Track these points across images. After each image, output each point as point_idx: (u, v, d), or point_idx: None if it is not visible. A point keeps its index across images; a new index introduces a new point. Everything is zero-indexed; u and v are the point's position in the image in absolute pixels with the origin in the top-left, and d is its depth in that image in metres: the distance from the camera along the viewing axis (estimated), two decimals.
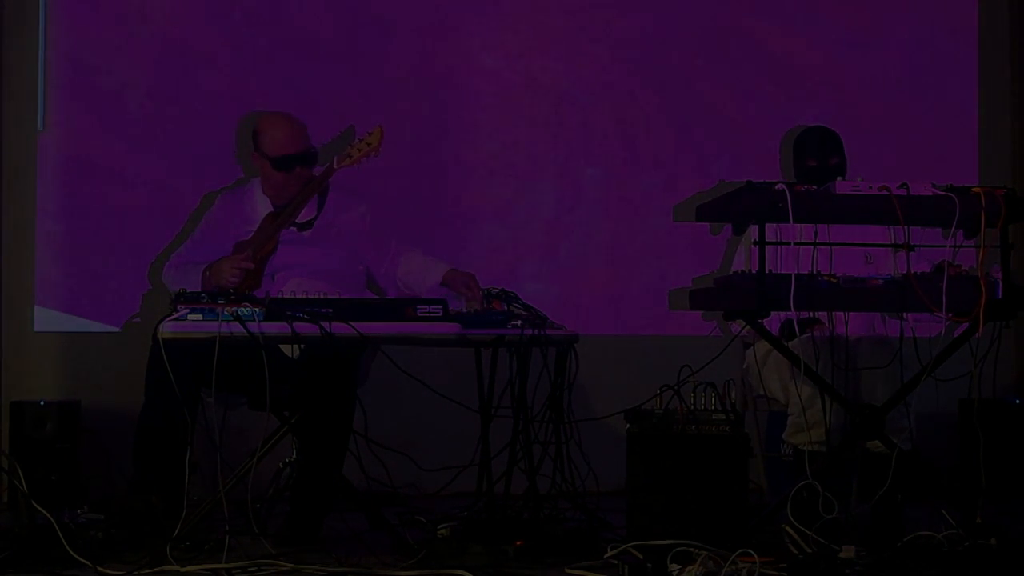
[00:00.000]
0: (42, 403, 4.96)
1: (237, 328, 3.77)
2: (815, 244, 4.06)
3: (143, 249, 5.36)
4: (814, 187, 4.00)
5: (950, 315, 3.97)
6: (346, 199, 4.61)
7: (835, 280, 3.96)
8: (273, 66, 5.52)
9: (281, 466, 4.47)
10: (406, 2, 5.64)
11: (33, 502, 3.91)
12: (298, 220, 4.51)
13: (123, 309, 5.38)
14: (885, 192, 3.92)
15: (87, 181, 5.40)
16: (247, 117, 5.20)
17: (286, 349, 4.17)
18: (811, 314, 4.37)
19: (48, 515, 3.77)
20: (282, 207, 4.52)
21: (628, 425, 4.03)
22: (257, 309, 3.81)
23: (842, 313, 4.29)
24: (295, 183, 4.53)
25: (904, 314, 4.22)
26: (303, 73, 5.52)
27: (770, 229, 3.96)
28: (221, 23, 5.52)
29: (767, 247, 3.93)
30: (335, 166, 4.48)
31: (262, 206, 4.61)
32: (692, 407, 4.01)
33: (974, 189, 3.99)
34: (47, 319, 5.36)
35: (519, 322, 4.03)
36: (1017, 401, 5.28)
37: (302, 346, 4.14)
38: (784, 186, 3.92)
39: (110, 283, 5.40)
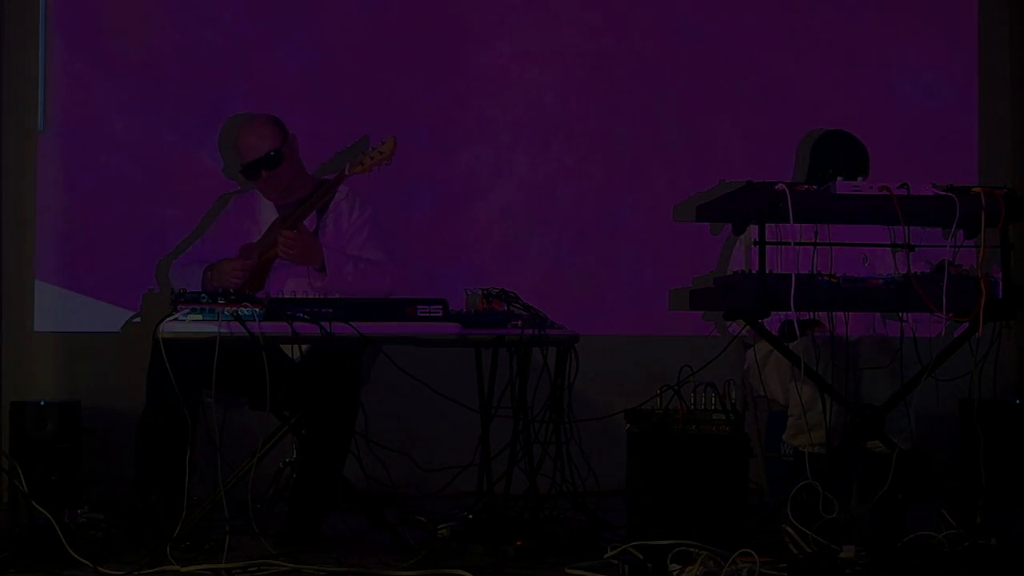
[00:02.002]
0: (42, 403, 4.96)
1: (237, 328, 3.76)
2: (815, 244, 4.06)
3: (144, 249, 5.36)
4: (814, 187, 4.00)
5: (950, 315, 3.97)
6: (350, 202, 4.61)
7: (835, 280, 3.96)
8: (285, 70, 5.51)
9: (281, 466, 4.48)
10: (416, 13, 5.65)
11: (33, 502, 3.90)
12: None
13: (123, 309, 5.37)
14: (885, 192, 3.92)
15: (87, 182, 5.39)
16: (226, 126, 5.21)
17: (287, 350, 4.17)
18: (811, 315, 4.36)
19: (48, 515, 3.77)
20: (289, 211, 4.53)
21: (628, 425, 4.03)
22: (257, 309, 3.81)
23: (842, 313, 4.29)
24: (274, 184, 4.54)
25: (904, 314, 4.22)
26: (316, 76, 5.52)
27: (770, 229, 3.97)
28: (230, 23, 5.51)
29: (767, 247, 3.94)
30: (347, 172, 4.48)
31: (268, 209, 4.63)
32: (692, 407, 4.01)
33: (974, 189, 3.99)
34: (47, 319, 5.35)
35: (519, 322, 4.03)
36: (1017, 401, 5.27)
37: (303, 348, 4.14)
38: (784, 186, 3.92)
39: (111, 283, 5.38)
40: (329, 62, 5.55)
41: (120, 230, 5.39)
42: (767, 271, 3.92)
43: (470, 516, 4.29)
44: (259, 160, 4.50)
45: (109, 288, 5.37)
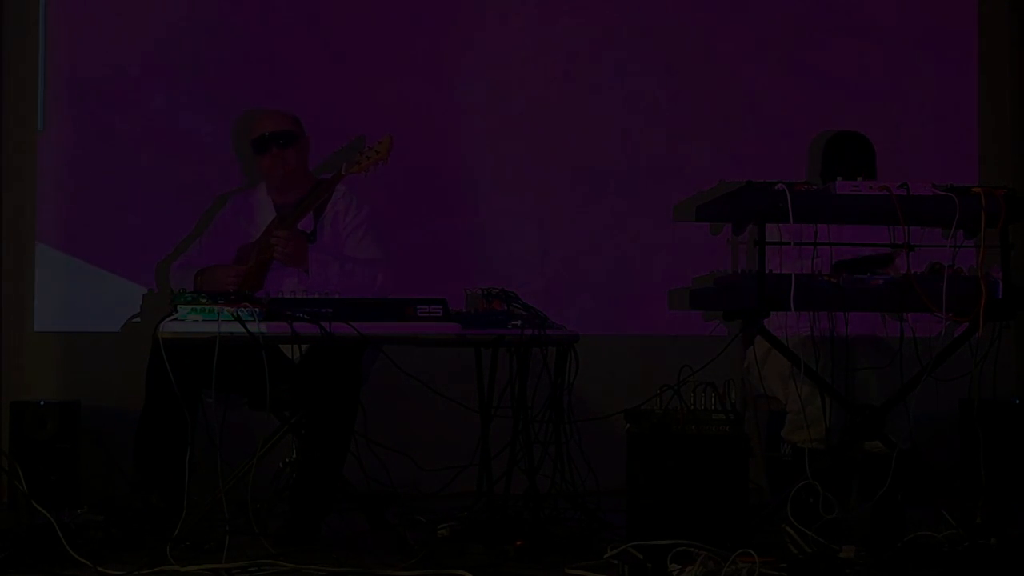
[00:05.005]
0: (42, 403, 4.96)
1: (237, 328, 3.77)
2: (815, 244, 4.06)
3: (144, 249, 5.36)
4: (814, 187, 4.00)
5: (950, 315, 3.98)
6: (347, 201, 4.62)
7: (835, 280, 3.96)
8: (282, 69, 5.51)
9: (281, 466, 4.47)
10: (415, 8, 5.65)
11: (33, 502, 3.91)
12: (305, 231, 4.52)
13: (123, 310, 5.37)
14: (885, 192, 3.93)
15: (87, 182, 5.39)
16: (243, 117, 5.20)
17: (287, 351, 4.17)
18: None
19: (48, 515, 3.77)
20: (287, 210, 4.53)
21: (628, 425, 4.03)
22: (257, 309, 3.81)
23: (842, 313, 4.29)
24: (279, 167, 4.56)
25: (904, 314, 4.22)
26: (314, 79, 5.51)
27: (771, 229, 3.97)
28: (228, 22, 5.51)
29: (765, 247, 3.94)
30: (343, 172, 4.50)
31: (266, 209, 4.64)
32: (692, 407, 4.01)
33: (974, 189, 3.99)
34: (47, 318, 5.35)
35: (519, 322, 4.03)
36: (1017, 401, 5.27)
37: (303, 348, 4.14)
38: (784, 186, 3.92)
39: (111, 283, 5.38)
40: (325, 61, 5.55)
41: (121, 229, 5.39)
42: (767, 271, 3.93)
43: (470, 516, 4.30)
44: (275, 133, 4.54)
45: (110, 289, 5.37)
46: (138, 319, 5.34)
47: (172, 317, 3.84)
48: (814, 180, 4.71)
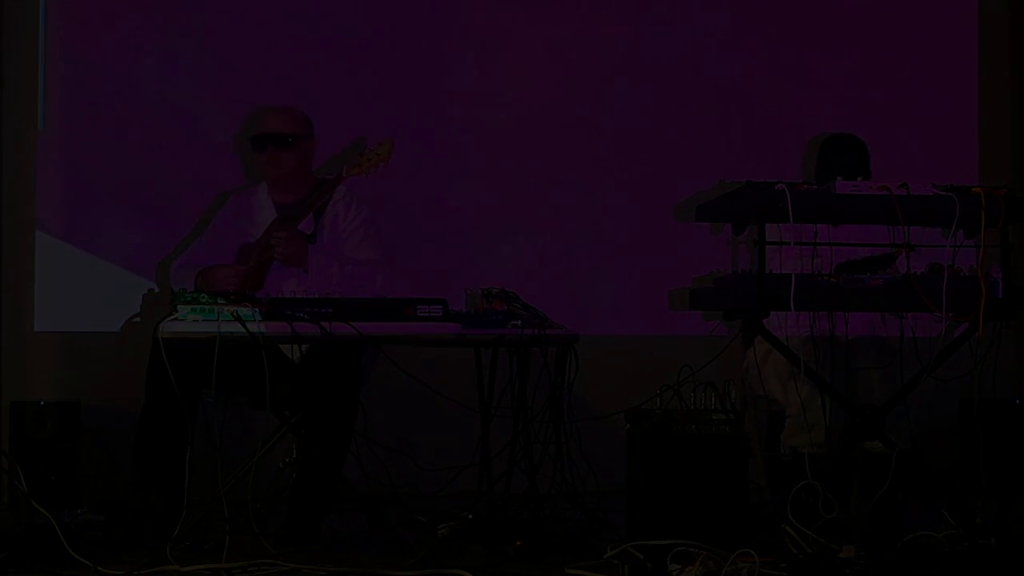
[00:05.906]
0: (42, 403, 4.96)
1: (237, 328, 3.77)
2: (815, 244, 4.06)
3: (144, 249, 5.36)
4: (814, 187, 4.00)
5: (950, 315, 3.98)
6: (347, 203, 4.62)
7: (835, 280, 3.96)
8: (282, 67, 5.51)
9: (281, 466, 4.47)
10: (415, 12, 5.65)
11: (33, 502, 3.91)
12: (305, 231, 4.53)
13: (123, 309, 5.37)
14: (885, 192, 3.93)
15: (88, 181, 5.39)
16: (253, 113, 5.20)
17: (287, 351, 4.17)
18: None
19: (48, 515, 3.77)
20: (287, 210, 4.53)
21: (628, 425, 4.03)
22: (257, 309, 3.81)
23: (842, 313, 4.29)
24: (273, 167, 4.56)
25: (904, 314, 4.22)
26: (314, 78, 5.51)
27: (771, 229, 3.97)
28: (228, 21, 5.51)
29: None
30: (344, 174, 4.50)
31: (266, 208, 4.64)
32: (692, 407, 4.01)
33: (974, 189, 3.99)
34: (47, 318, 5.35)
35: (519, 322, 4.03)
36: (1017, 401, 5.27)
37: (303, 349, 4.14)
38: (784, 186, 3.92)
39: (111, 282, 5.38)
40: (326, 63, 5.55)
41: (122, 228, 5.39)
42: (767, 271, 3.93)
43: (470, 516, 4.30)
44: (277, 134, 4.54)
45: (111, 288, 5.37)
46: (138, 319, 5.34)
47: (172, 317, 3.84)
48: (810, 181, 4.72)
